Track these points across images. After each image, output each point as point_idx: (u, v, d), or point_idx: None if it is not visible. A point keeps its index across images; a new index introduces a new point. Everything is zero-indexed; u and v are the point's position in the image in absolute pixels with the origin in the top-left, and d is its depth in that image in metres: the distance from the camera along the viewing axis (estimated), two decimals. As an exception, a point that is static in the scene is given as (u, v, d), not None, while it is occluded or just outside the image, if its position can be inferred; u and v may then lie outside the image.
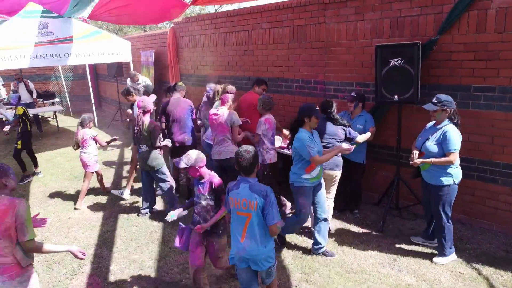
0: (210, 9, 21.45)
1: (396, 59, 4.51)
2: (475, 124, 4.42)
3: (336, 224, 4.88)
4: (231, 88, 5.58)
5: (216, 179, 3.32)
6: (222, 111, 4.93)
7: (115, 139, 6.01)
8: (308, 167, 3.89)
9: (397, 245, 4.33)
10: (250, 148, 2.94)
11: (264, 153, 4.88)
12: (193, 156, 3.25)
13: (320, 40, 5.71)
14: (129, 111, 6.59)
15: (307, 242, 4.46)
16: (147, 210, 5.34)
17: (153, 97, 6.01)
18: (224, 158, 4.93)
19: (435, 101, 3.71)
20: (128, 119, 6.99)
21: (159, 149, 5.11)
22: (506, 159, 4.26)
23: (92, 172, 5.88)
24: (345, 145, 4.07)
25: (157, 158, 5.08)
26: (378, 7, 4.93)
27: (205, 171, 3.33)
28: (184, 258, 4.24)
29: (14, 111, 10.00)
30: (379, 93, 4.69)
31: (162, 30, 9.64)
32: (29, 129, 6.87)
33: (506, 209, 4.36)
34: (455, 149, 3.62)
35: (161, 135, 5.15)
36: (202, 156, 3.32)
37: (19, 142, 6.77)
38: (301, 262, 4.07)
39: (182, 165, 3.22)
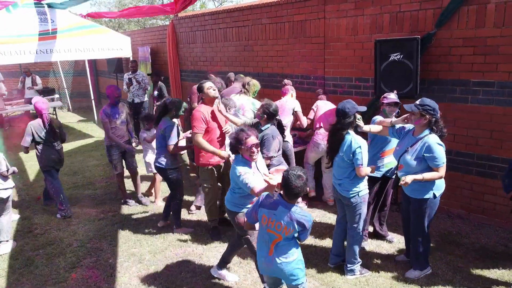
0: (211, 5, 21.41)
1: (395, 54, 4.53)
2: (474, 119, 4.43)
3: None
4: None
5: None
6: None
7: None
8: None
9: (395, 239, 4.34)
10: (303, 173, 2.64)
11: None
12: None
13: (319, 36, 5.71)
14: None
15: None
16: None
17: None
18: None
19: (418, 103, 3.32)
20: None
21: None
22: (505, 154, 4.27)
23: None
24: None
25: None
26: (377, 2, 4.93)
27: None
28: (182, 251, 4.26)
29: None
30: (378, 88, 4.70)
31: (161, 26, 9.62)
32: None
33: (504, 203, 4.36)
34: (443, 163, 3.28)
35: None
36: None
37: None
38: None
39: None
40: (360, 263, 3.73)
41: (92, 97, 11.84)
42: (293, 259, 2.73)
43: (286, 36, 6.22)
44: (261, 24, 6.62)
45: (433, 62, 4.59)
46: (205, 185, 4.39)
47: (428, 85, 4.65)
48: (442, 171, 3.30)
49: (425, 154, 3.27)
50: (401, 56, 4.48)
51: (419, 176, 3.26)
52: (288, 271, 2.72)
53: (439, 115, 3.32)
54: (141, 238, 4.60)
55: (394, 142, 3.87)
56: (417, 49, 4.34)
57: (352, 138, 3.45)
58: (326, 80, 5.77)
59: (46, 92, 13.08)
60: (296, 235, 2.69)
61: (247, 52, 7.05)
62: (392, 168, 4.01)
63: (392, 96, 3.97)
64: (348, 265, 3.70)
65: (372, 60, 4.86)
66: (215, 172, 4.39)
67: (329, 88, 5.74)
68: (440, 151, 3.26)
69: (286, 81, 5.55)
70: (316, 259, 4.01)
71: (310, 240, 4.37)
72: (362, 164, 3.40)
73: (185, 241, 4.49)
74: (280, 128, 4.33)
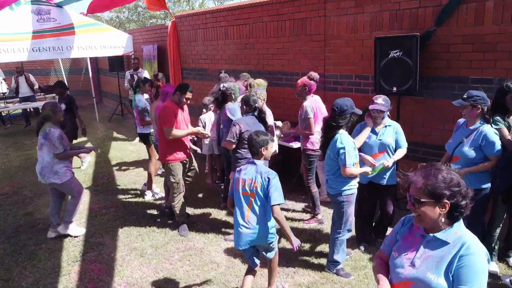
0: (211, 4, 21.46)
1: (395, 51, 4.56)
2: (472, 116, 4.46)
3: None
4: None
5: None
6: None
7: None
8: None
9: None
10: (261, 132, 3.17)
11: None
12: None
13: (320, 33, 5.75)
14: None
15: (311, 228, 4.52)
16: None
17: None
18: None
19: (465, 96, 3.40)
20: None
21: None
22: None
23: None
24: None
25: None
26: (377, 0, 4.97)
27: None
28: (184, 245, 4.31)
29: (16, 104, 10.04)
30: (378, 85, 4.74)
31: (163, 25, 9.67)
32: None
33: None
34: (498, 151, 3.32)
35: None
36: None
37: None
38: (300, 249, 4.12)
39: None
40: (339, 264, 3.68)
41: (93, 95, 11.89)
42: (266, 224, 3.00)
43: (287, 34, 6.27)
44: (262, 22, 6.66)
45: (432, 59, 4.63)
46: (172, 180, 4.49)
47: (427, 82, 4.68)
48: (495, 160, 3.35)
49: (482, 144, 3.33)
50: (401, 53, 4.51)
51: (474, 168, 3.32)
52: (262, 233, 3.00)
53: (489, 102, 3.40)
54: (142, 232, 4.65)
55: (373, 145, 3.86)
56: (416, 46, 4.38)
57: (339, 137, 3.43)
58: (327, 78, 5.81)
59: (47, 90, 13.16)
60: (263, 195, 2.95)
61: (248, 50, 7.09)
62: (380, 172, 3.81)
63: (379, 101, 3.77)
64: (328, 260, 3.75)
65: (372, 57, 4.90)
66: (182, 168, 4.56)
67: (330, 86, 5.78)
68: (497, 140, 3.32)
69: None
70: (315, 254, 4.06)
71: (309, 236, 4.42)
72: (345, 164, 3.38)
73: (186, 236, 4.53)
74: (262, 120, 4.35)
